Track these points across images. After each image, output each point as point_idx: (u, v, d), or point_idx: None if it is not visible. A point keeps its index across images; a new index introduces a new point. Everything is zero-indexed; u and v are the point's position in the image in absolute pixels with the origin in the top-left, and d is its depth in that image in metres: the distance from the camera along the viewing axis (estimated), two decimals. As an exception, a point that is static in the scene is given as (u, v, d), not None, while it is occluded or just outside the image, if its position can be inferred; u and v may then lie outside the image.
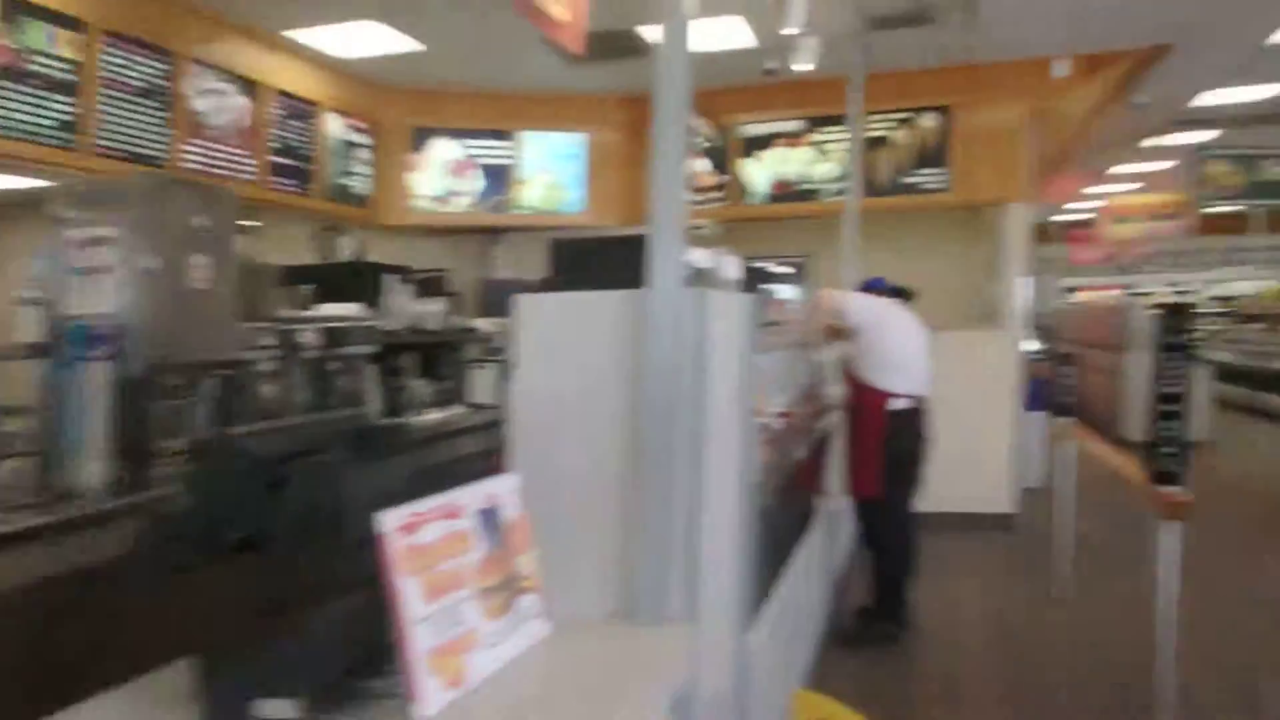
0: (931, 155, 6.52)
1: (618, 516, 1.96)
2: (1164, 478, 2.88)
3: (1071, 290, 19.31)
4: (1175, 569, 2.79)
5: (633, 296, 1.95)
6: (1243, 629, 4.36)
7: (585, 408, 2.02)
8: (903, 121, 6.59)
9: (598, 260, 2.38)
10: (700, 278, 2.20)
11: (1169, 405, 2.87)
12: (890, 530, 4.21)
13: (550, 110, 7.21)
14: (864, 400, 4.17)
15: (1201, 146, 8.05)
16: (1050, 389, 5.63)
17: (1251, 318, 14.37)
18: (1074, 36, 6.26)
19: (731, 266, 2.55)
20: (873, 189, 6.54)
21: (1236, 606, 4.66)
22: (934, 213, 6.99)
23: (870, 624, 4.24)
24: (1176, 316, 2.88)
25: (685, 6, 2.02)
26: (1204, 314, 18.42)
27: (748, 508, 2.15)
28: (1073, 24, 6.04)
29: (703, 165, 6.99)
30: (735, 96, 6.91)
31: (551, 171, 7.22)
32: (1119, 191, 15.27)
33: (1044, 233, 19.48)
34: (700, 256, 2.22)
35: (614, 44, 5.57)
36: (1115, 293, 19.06)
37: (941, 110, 6.52)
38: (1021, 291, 6.53)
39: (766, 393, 2.95)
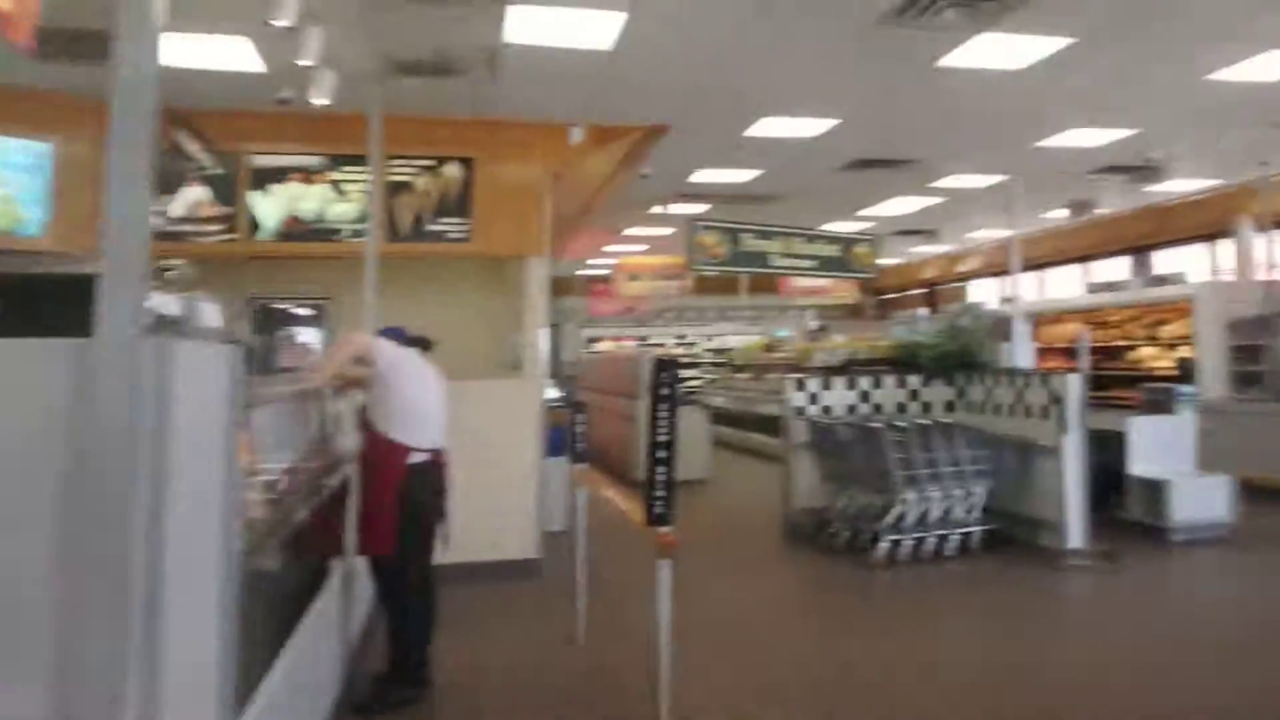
0: (454, 205, 6.67)
1: (50, 611, 1.65)
2: (657, 519, 3.17)
3: (596, 340, 21.11)
4: (669, 603, 3.08)
5: (75, 348, 1.66)
6: (736, 649, 4.93)
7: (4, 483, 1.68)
8: (427, 168, 6.67)
9: (48, 300, 2.04)
10: (168, 326, 1.96)
11: (661, 451, 3.18)
12: (407, 588, 4.14)
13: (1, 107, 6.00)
14: (380, 453, 4.08)
15: (697, 217, 9.34)
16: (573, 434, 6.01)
17: (740, 368, 16.75)
18: (588, 108, 6.90)
19: (210, 313, 2.32)
20: (395, 234, 6.52)
21: (729, 628, 5.30)
22: (459, 261, 7.17)
23: (387, 689, 4.12)
24: (665, 369, 3.20)
25: (153, 15, 1.82)
26: (704, 364, 21.23)
27: (230, 579, 1.94)
28: (586, 97, 6.67)
29: (203, 194, 6.42)
30: (246, 123, 6.48)
31: (2, 184, 6.01)
32: (633, 251, 17.14)
33: (569, 285, 21.15)
34: (168, 301, 1.98)
35: (78, 43, 4.91)
36: (632, 343, 21.13)
37: (465, 161, 6.71)
38: (542, 341, 6.92)
39: (265, 448, 2.74)
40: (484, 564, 6.21)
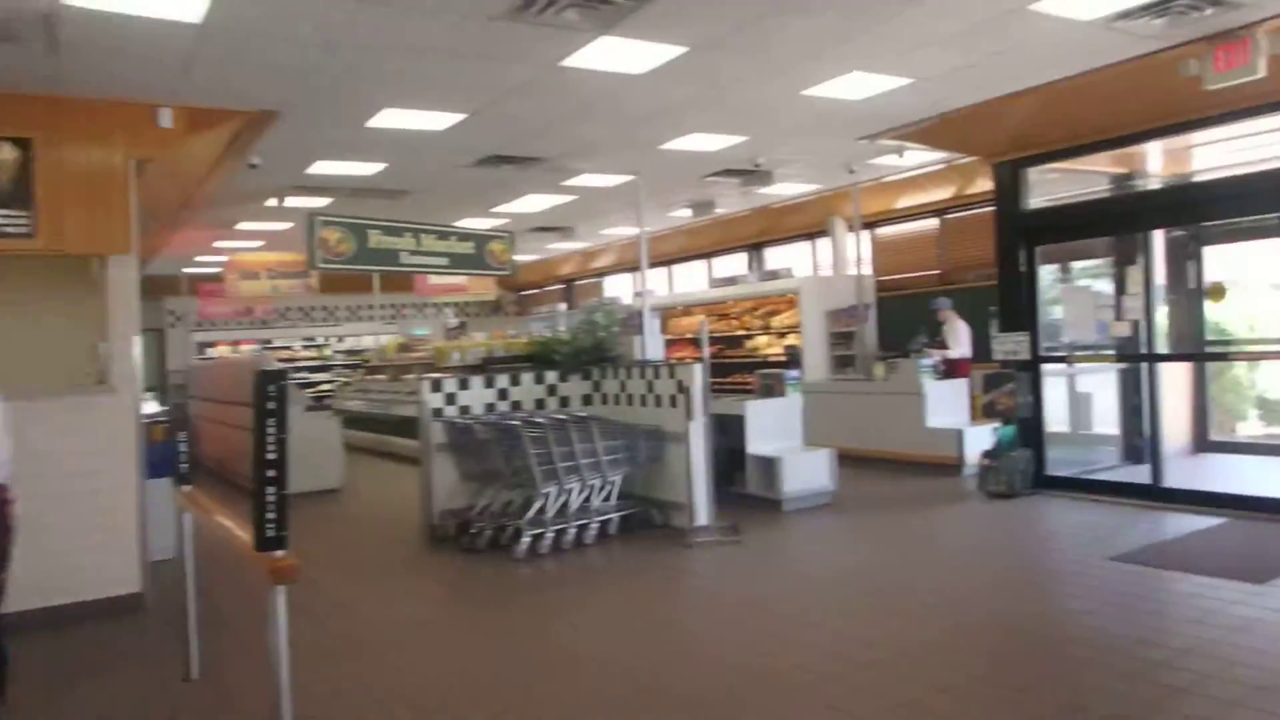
0: (9, 193, 5.78)
1: None
2: (270, 542, 3.00)
3: (210, 345, 19.45)
4: (284, 634, 2.92)
5: None
6: (376, 664, 4.78)
7: None
8: (-25, 150, 5.75)
9: None
10: None
11: (270, 470, 3.01)
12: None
13: None
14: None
15: (317, 212, 8.93)
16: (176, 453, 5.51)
17: (376, 369, 16.24)
18: (179, 88, 6.30)
19: None
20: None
21: (367, 642, 5.14)
22: (24, 260, 6.27)
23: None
24: (271, 380, 3.03)
25: None
26: (336, 366, 20.38)
27: None
28: (176, 75, 6.07)
29: None
30: None
31: None
32: (247, 248, 16.00)
33: (175, 286, 19.32)
34: None
35: None
36: (253, 346, 19.74)
37: (21, 143, 5.83)
38: (135, 350, 6.26)
39: None
40: (75, 605, 5.60)
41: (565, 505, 7.40)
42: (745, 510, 8.19)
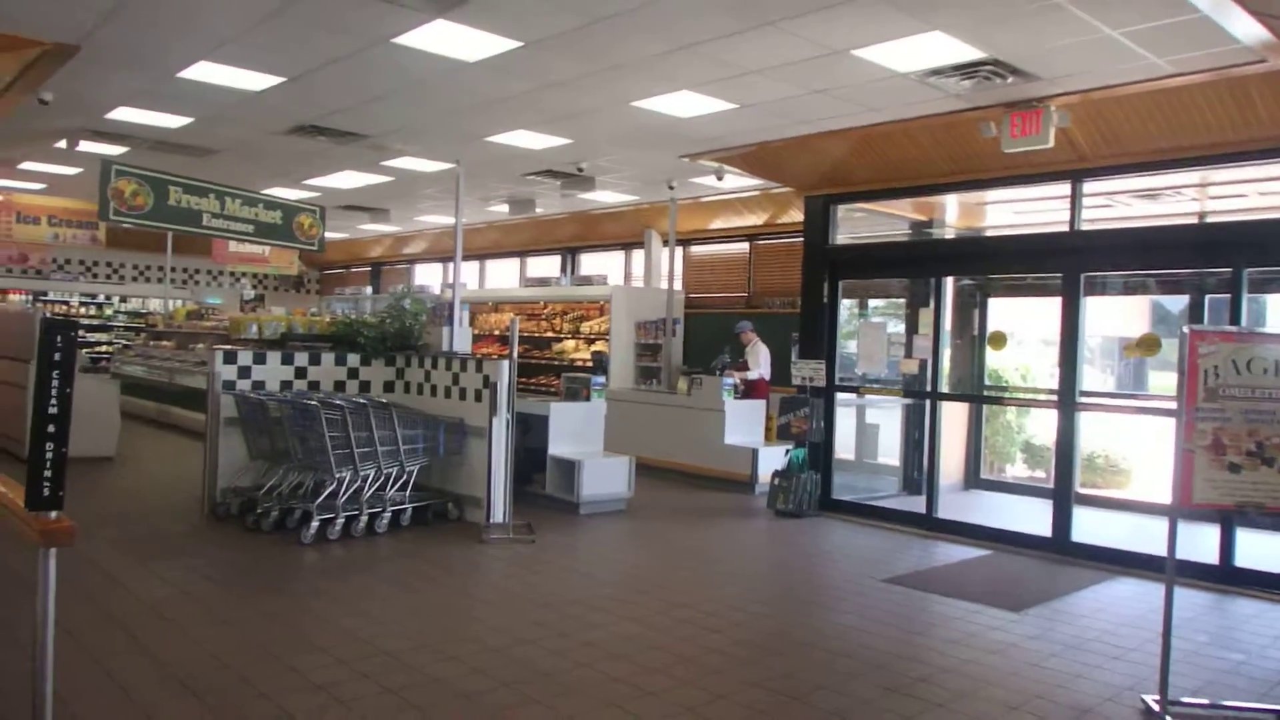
0: None
1: None
2: (45, 501, 2.84)
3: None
4: (53, 599, 2.78)
5: None
6: (147, 642, 4.57)
7: None
8: None
9: None
10: None
11: (51, 426, 2.85)
12: None
13: None
14: None
15: (113, 159, 8.34)
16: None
17: (162, 335, 15.36)
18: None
19: None
20: None
21: (139, 619, 4.88)
22: None
23: None
24: (58, 331, 2.88)
25: None
26: (117, 328, 19.05)
27: None
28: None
29: None
30: None
31: None
32: (27, 189, 14.75)
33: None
34: None
35: None
36: (22, 297, 18.39)
37: None
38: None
39: None
40: None
41: (358, 492, 7.29)
42: (542, 511, 8.32)
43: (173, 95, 8.40)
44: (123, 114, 9.22)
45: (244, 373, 8.02)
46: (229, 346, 8.39)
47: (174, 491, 8.69)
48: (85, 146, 10.72)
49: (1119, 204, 8.88)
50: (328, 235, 14.13)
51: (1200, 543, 6.91)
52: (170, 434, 12.78)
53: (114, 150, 10.78)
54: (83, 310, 19.20)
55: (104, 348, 18.31)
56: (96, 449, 10.24)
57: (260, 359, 8.14)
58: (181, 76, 7.70)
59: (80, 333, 18.12)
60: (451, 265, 9.28)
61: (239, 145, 10.52)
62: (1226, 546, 6.74)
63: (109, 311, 19.52)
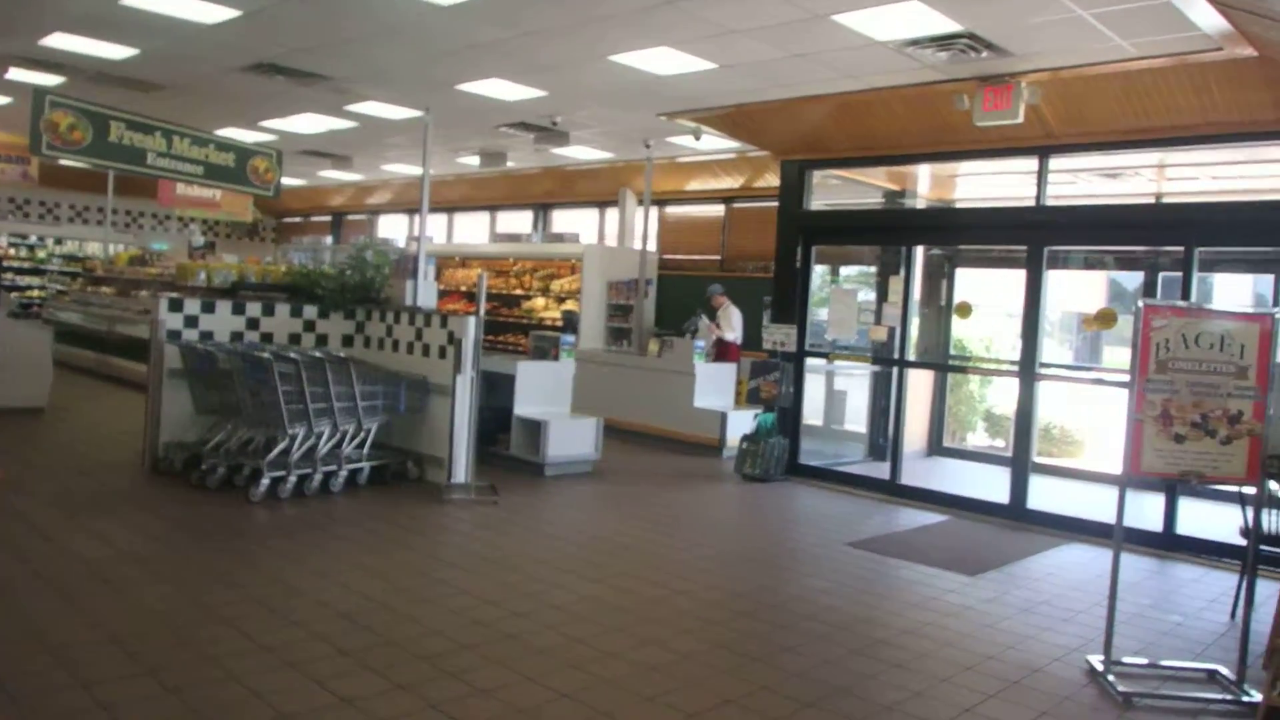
0: None
1: None
2: None
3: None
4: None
5: None
6: (87, 602, 4.65)
7: None
8: None
9: None
10: None
11: None
12: None
13: None
14: None
15: (47, 90, 8.10)
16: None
17: (101, 280, 15.12)
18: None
19: None
20: None
21: (79, 578, 4.95)
22: None
23: None
24: None
25: None
26: (52, 272, 18.82)
27: None
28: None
29: None
30: None
31: None
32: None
33: None
34: None
35: None
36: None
37: None
38: None
39: None
40: None
41: (313, 449, 7.21)
42: (507, 472, 8.47)
43: (116, 23, 8.16)
44: (59, 41, 8.96)
45: (191, 322, 7.89)
46: (175, 294, 8.24)
47: (113, 446, 8.54)
48: (15, 75, 10.47)
49: (1082, 181, 9.20)
50: (285, 181, 14.03)
51: (1147, 511, 7.36)
52: (109, 386, 12.54)
53: (49, 80, 10.49)
54: (12, 251, 18.87)
55: (36, 292, 18.09)
56: (25, 399, 10.02)
57: (209, 308, 8.01)
58: (126, 4, 7.53)
59: (9, 275, 18.01)
60: (418, 217, 9.31)
61: (190, 82, 10.30)
62: (1170, 515, 7.19)
63: (42, 254, 19.22)
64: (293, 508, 6.77)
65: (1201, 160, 8.03)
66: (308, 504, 6.90)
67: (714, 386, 10.66)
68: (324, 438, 7.29)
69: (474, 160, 14.59)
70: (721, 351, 11.32)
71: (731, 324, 11.67)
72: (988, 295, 10.59)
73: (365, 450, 7.61)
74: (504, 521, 6.85)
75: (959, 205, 10.21)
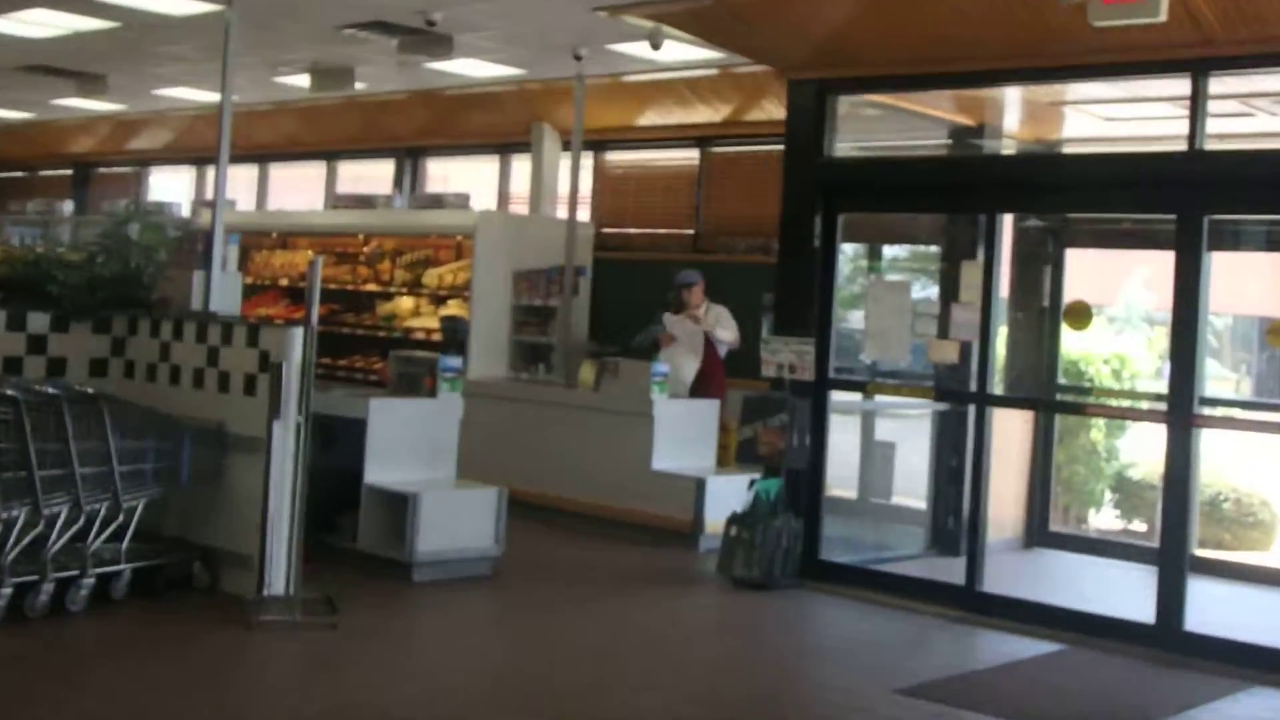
0: None
1: None
2: None
3: None
4: None
5: None
6: None
7: None
8: None
9: None
10: None
11: None
12: None
13: None
14: None
15: None
16: None
17: None
18: None
19: None
20: None
21: None
22: None
23: None
24: None
25: None
26: None
27: None
28: None
29: None
30: None
31: None
32: None
33: None
34: None
35: None
36: None
37: None
38: None
39: None
40: None
41: (44, 543, 7.03)
42: (354, 575, 8.28)
43: None
44: None
45: None
46: None
47: None
48: None
49: (1263, 114, 9.11)
50: None
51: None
52: None
53: None
54: None
55: None
56: None
57: None
58: None
59: None
60: (212, 171, 9.09)
61: None
62: None
63: None
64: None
65: None
66: (31, 632, 6.69)
67: (685, 436, 10.52)
68: (59, 523, 7.08)
69: (303, 81, 14.49)
70: (704, 376, 11.12)
71: (723, 322, 11.46)
72: (1116, 291, 10.51)
73: (124, 544, 7.43)
74: (349, 657, 6.74)
75: (1068, 150, 10.10)
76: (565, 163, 13.83)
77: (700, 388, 11.06)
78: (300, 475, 7.49)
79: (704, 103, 13.22)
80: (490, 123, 15.09)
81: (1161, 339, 8.17)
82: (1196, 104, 7.78)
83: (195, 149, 18.64)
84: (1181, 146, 7.81)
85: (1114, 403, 10.70)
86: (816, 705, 6.47)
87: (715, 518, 9.65)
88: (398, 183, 16.61)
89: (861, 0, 8.72)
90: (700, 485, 10.06)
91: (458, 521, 8.58)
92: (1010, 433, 10.30)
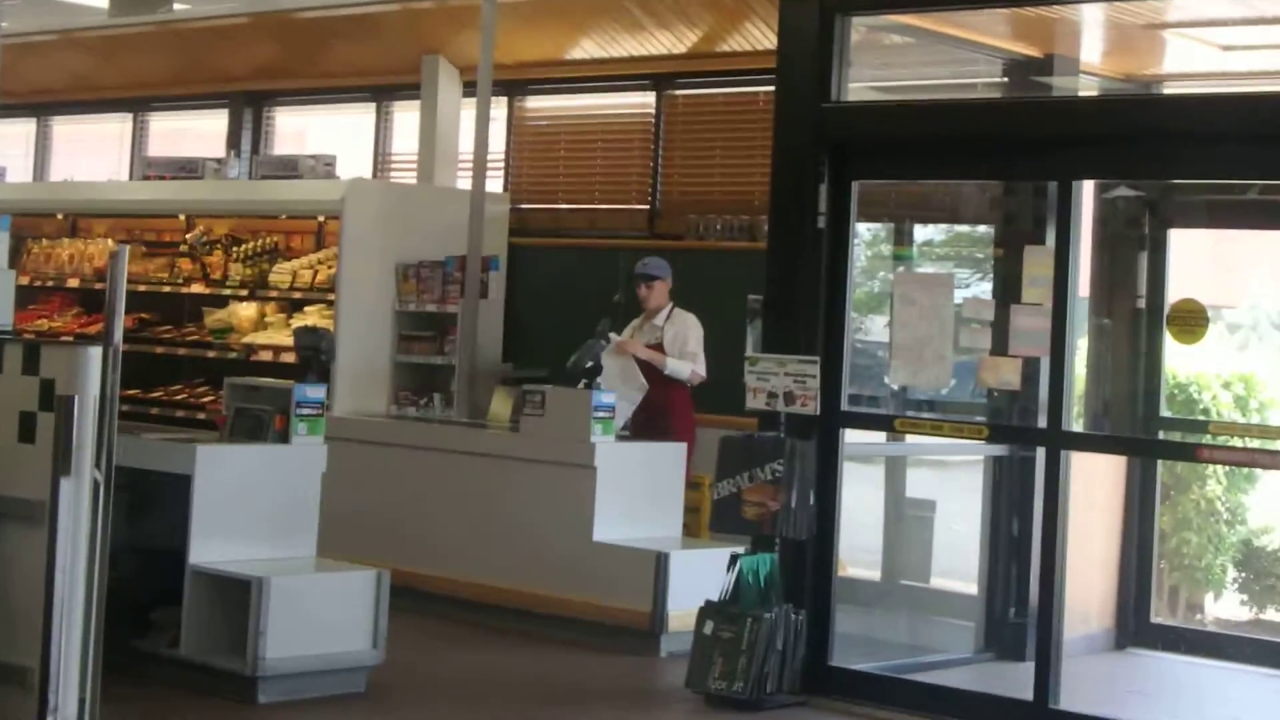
0: None
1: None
2: None
3: None
4: None
5: None
6: None
7: None
8: None
9: None
10: None
11: None
12: None
13: None
14: None
15: None
16: None
17: None
18: None
19: None
20: None
21: None
22: None
23: None
24: None
25: None
26: None
27: None
28: None
29: None
30: None
31: None
32: None
33: None
34: None
35: None
36: None
37: None
38: None
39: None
40: None
41: None
42: (176, 694, 8.24)
43: None
44: None
45: None
46: None
47: None
48: None
49: None
50: None
51: None
52: None
53: None
54: None
55: None
56: None
57: None
58: None
59: None
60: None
61: None
62: None
63: None
64: None
65: None
66: None
67: (640, 493, 10.52)
68: None
69: (101, 2, 14.28)
70: (662, 409, 11.07)
71: (689, 342, 11.42)
72: (1239, 288, 10.49)
73: None
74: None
75: (1168, 90, 10.08)
76: (469, 112, 13.76)
77: (656, 426, 10.97)
78: (99, 555, 7.39)
79: (663, 26, 13.19)
80: (363, 57, 15.12)
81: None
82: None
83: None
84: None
85: (1238, 442, 10.66)
86: None
87: (683, 608, 9.63)
88: (233, 143, 16.53)
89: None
90: (661, 563, 10.01)
91: (320, 617, 8.47)
92: (1095, 486, 10.28)
